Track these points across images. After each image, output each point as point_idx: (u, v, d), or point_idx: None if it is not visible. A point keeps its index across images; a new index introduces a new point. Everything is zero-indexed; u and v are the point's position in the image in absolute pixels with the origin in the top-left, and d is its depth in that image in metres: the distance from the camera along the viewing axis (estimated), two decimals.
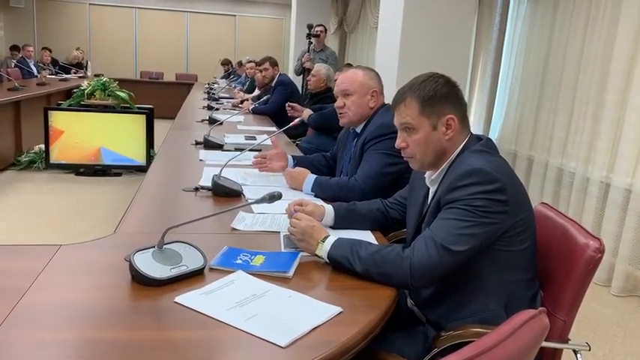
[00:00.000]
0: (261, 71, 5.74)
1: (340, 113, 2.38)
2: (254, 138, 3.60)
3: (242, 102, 5.97)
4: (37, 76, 8.93)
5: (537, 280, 1.53)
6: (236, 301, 1.24)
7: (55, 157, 5.39)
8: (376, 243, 1.67)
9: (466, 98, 5.33)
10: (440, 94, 1.51)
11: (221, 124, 3.84)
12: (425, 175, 1.63)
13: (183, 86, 10.19)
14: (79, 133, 5.37)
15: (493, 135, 5.22)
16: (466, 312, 1.45)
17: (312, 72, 4.92)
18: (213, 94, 6.81)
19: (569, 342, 1.47)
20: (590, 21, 3.92)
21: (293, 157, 2.64)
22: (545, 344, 1.40)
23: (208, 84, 8.92)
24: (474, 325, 1.40)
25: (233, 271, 1.40)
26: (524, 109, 4.73)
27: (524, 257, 1.46)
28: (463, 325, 1.41)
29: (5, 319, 1.11)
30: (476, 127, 5.44)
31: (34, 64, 9.76)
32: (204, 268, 1.39)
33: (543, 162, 4.40)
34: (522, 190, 1.48)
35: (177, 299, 1.23)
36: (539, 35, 4.56)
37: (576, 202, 3.92)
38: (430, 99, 1.50)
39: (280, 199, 1.61)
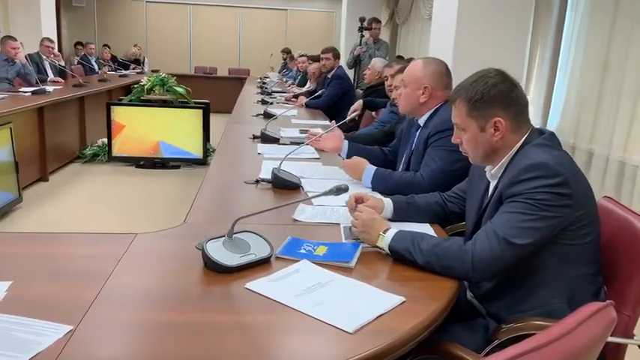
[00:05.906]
0: (320, 59, 5.77)
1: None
2: (308, 131, 3.67)
3: (295, 96, 6.04)
4: (98, 73, 9.29)
5: (601, 274, 1.51)
6: (303, 288, 1.30)
7: (117, 150, 5.62)
8: (436, 236, 1.69)
9: (523, 89, 5.19)
10: (487, 97, 1.50)
11: (276, 118, 3.92)
12: (485, 169, 1.64)
13: (236, 81, 10.34)
14: (139, 128, 5.57)
15: (551, 127, 5.09)
16: (528, 305, 1.45)
17: (368, 65, 5.06)
18: (266, 88, 6.91)
19: (635, 337, 1.46)
20: None
21: (349, 144, 2.68)
22: (610, 339, 1.39)
23: (261, 78, 9.05)
24: (535, 318, 1.40)
25: (298, 260, 1.46)
26: (585, 101, 4.58)
27: (587, 251, 1.45)
28: (525, 318, 1.41)
29: (95, 299, 1.21)
30: (533, 119, 5.29)
31: (95, 61, 10.16)
32: (270, 256, 1.46)
33: (604, 155, 4.26)
34: (586, 184, 1.47)
35: (248, 285, 1.30)
36: (601, 25, 4.39)
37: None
38: (477, 102, 1.51)
39: (347, 191, 1.65)
